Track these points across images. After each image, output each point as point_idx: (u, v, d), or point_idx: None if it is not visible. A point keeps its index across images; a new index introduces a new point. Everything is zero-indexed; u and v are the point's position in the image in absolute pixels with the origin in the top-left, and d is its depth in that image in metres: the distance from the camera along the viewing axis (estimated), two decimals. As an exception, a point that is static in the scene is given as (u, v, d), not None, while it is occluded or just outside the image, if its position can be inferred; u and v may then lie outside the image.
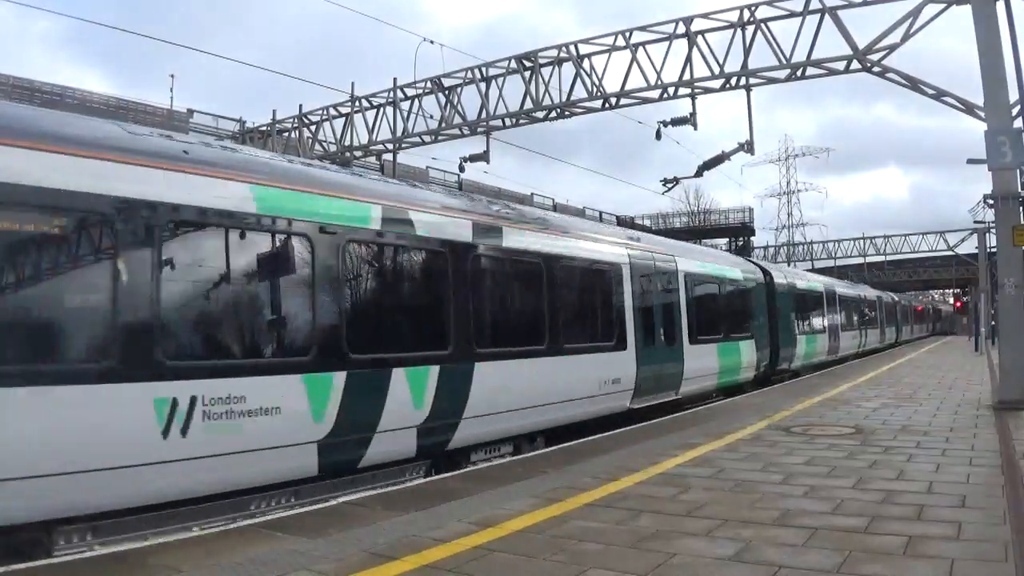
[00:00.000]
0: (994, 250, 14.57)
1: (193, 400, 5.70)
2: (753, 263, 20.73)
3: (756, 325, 17.64)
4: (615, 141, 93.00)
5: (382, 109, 20.93)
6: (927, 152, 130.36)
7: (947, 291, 74.60)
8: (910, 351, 33.15)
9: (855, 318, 30.36)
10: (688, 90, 16.72)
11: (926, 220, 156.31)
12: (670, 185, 20.53)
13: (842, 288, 29.62)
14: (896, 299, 45.94)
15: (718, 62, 16.11)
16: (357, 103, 21.45)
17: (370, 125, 21.31)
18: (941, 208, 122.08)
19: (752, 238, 59.09)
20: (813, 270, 47.45)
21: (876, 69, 14.19)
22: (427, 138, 20.59)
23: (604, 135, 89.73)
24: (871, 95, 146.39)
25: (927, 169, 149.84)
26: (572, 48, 17.76)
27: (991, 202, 12.01)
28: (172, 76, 34.87)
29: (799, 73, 15.61)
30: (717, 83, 16.36)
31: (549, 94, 18.16)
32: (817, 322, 24.03)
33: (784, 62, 15.47)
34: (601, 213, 48.91)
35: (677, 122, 17.31)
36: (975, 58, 11.76)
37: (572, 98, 17.97)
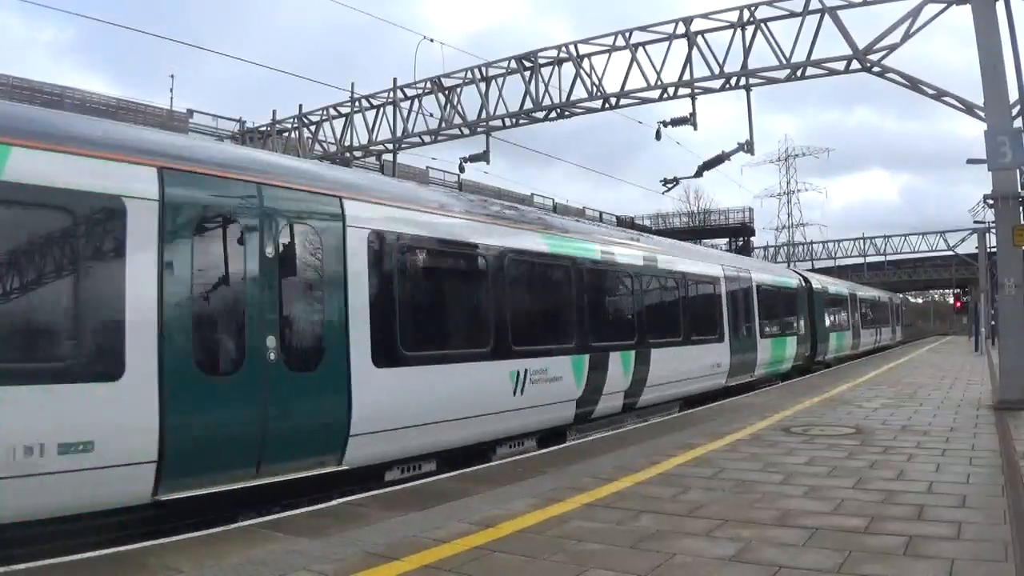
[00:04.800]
0: (994, 250, 14.56)
1: (526, 371, 9.18)
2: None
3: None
4: (608, 141, 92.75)
5: (382, 109, 20.95)
6: (913, 155, 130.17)
7: (946, 291, 74.61)
8: (911, 351, 33.19)
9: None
10: (688, 90, 16.73)
11: (917, 221, 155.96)
12: (670, 185, 20.56)
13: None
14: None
15: (718, 62, 16.12)
16: (357, 103, 21.46)
17: (370, 125, 21.34)
18: (932, 209, 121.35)
19: (752, 238, 59.10)
20: (813, 270, 47.47)
21: (876, 69, 14.20)
22: (427, 138, 20.60)
23: (598, 135, 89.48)
24: (850, 100, 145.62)
25: (914, 171, 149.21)
26: (572, 48, 17.76)
27: (991, 202, 12.01)
28: (172, 76, 34.95)
29: (799, 73, 15.62)
30: (717, 83, 16.37)
31: (549, 94, 18.16)
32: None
33: (784, 62, 15.47)
34: (601, 213, 48.95)
35: (677, 122, 17.31)
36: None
37: (572, 98, 17.98)
